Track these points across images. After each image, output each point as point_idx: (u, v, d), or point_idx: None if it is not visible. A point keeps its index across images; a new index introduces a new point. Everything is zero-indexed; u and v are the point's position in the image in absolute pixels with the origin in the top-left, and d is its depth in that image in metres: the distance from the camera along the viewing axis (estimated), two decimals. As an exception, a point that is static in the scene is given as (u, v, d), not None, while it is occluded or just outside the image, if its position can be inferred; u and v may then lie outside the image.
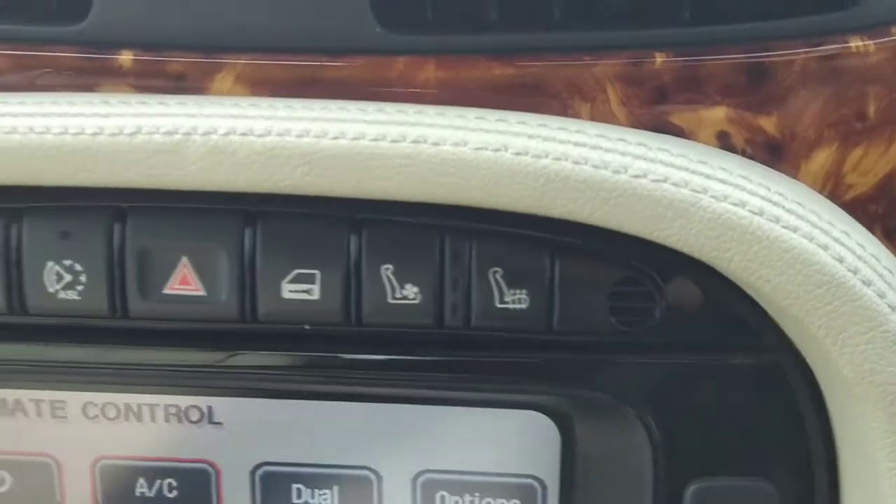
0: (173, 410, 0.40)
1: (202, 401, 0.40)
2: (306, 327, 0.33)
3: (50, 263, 0.33)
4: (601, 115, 0.35)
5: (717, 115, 0.35)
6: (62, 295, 0.33)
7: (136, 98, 0.31)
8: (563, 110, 0.35)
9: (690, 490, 0.34)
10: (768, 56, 0.35)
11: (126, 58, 0.35)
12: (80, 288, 0.33)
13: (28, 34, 0.35)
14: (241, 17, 0.34)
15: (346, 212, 0.32)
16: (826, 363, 0.32)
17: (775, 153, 0.36)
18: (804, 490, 0.35)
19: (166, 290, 0.33)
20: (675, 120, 0.35)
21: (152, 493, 0.41)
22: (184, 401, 0.40)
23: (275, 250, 0.32)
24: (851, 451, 0.34)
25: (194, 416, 0.40)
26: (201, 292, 0.33)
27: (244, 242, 0.32)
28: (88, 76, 0.35)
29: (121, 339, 0.35)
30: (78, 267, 0.33)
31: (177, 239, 0.33)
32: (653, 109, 0.35)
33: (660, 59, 0.35)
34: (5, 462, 0.41)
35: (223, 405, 0.40)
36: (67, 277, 0.33)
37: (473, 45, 0.35)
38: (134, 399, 0.40)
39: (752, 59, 0.35)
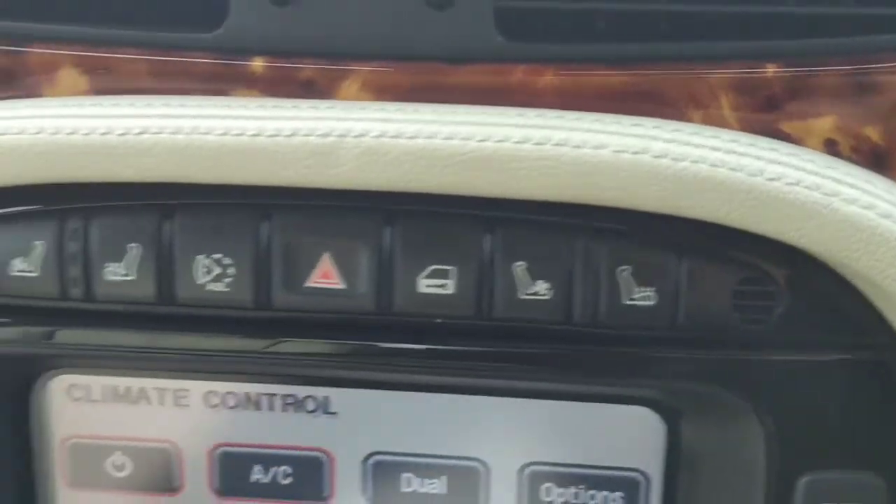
0: (290, 400, 0.42)
1: (318, 391, 0.42)
2: (437, 321, 0.35)
3: (200, 257, 0.35)
4: (714, 122, 0.37)
5: (825, 123, 0.36)
6: (210, 287, 0.35)
7: (289, 102, 0.33)
8: (678, 117, 0.37)
9: (802, 483, 0.35)
10: (875, 68, 0.36)
11: (258, 65, 0.36)
12: (227, 280, 0.35)
13: (165, 40, 0.37)
14: (368, 26, 0.36)
15: (481, 211, 0.34)
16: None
17: (880, 160, 0.37)
18: None
19: (308, 284, 0.35)
20: (784, 127, 0.37)
21: (267, 479, 0.43)
22: (301, 391, 0.42)
23: (412, 247, 0.34)
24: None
25: (310, 405, 0.42)
26: (341, 286, 0.35)
27: (383, 239, 0.34)
28: (221, 82, 0.37)
29: (255, 330, 0.37)
30: (227, 260, 0.34)
31: (320, 235, 0.35)
32: (763, 117, 0.36)
33: (771, 69, 0.36)
34: (127, 448, 0.43)
35: (339, 395, 0.42)
36: (216, 270, 0.35)
37: (592, 54, 0.36)
38: (253, 388, 0.42)
39: (860, 71, 0.36)
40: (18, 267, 0.35)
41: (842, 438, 0.35)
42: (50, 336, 0.38)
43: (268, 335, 0.37)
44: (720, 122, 0.37)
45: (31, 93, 0.37)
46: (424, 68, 0.37)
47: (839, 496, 0.36)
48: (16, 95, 0.37)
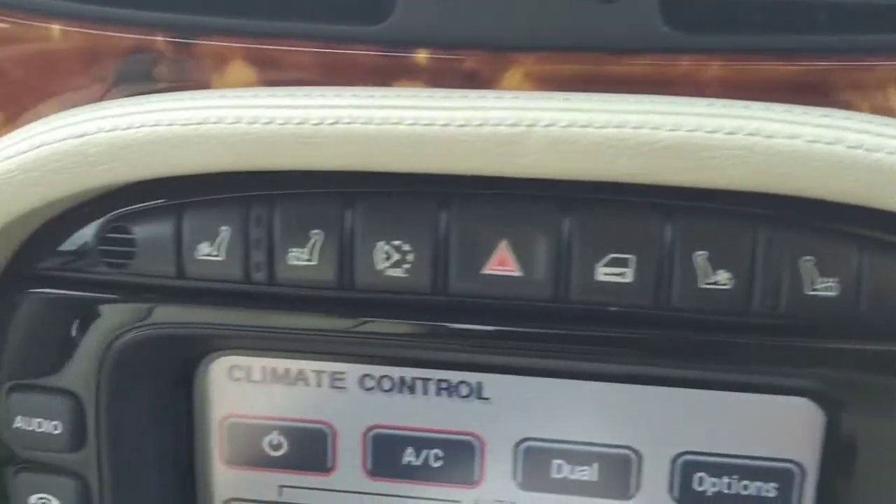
0: (444, 385, 0.43)
1: (472, 377, 0.42)
2: (612, 309, 0.35)
3: (380, 243, 0.35)
4: (880, 114, 0.37)
5: None
6: (389, 272, 0.36)
7: (474, 93, 0.34)
8: (846, 109, 0.37)
9: None
10: None
11: (422, 56, 0.37)
12: (406, 266, 0.36)
13: (333, 33, 0.38)
14: (532, 16, 0.36)
15: (661, 199, 0.34)
16: None
17: None
18: None
19: (485, 271, 0.36)
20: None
21: (419, 462, 0.44)
22: (455, 376, 0.43)
23: (591, 235, 0.34)
24: None
25: (464, 391, 0.43)
26: (518, 273, 0.35)
27: (562, 227, 0.34)
28: (384, 74, 0.37)
29: (425, 315, 0.38)
30: (406, 247, 0.35)
31: (498, 223, 0.35)
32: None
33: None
34: (284, 428, 0.44)
35: (492, 381, 0.42)
36: (395, 256, 0.36)
37: (759, 45, 0.36)
38: (408, 373, 0.43)
39: None
40: (205, 251, 0.37)
41: None
42: (224, 318, 0.39)
43: (437, 320, 0.37)
44: (887, 114, 0.37)
45: (200, 84, 0.39)
46: (588, 59, 0.37)
47: None
48: (185, 87, 0.38)
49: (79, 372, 0.40)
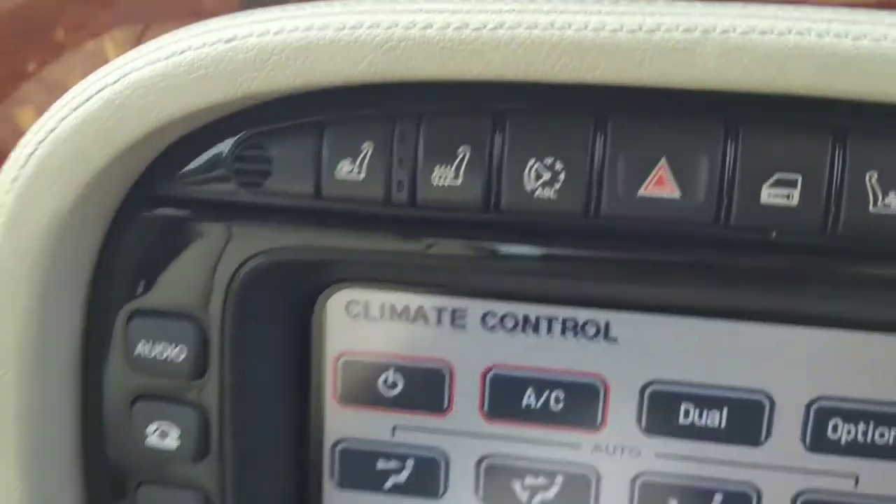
0: (570, 324, 0.42)
1: (599, 315, 0.41)
2: (773, 234, 0.34)
3: (531, 161, 0.34)
4: None
5: None
6: (538, 193, 0.35)
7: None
8: None
9: None
10: None
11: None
12: (556, 187, 0.34)
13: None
14: None
15: (831, 117, 0.32)
16: None
17: None
18: None
19: (641, 193, 0.34)
20: None
21: (538, 405, 0.42)
22: (582, 315, 0.41)
23: (756, 154, 0.33)
24: None
25: (591, 330, 0.41)
26: (676, 195, 0.34)
27: (726, 145, 0.33)
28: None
29: (576, 242, 0.36)
30: (558, 165, 0.34)
31: (657, 141, 0.34)
32: None
33: None
34: (400, 366, 0.43)
35: (620, 321, 0.41)
36: (546, 175, 0.34)
37: None
38: (532, 311, 0.42)
39: None
40: (345, 169, 0.35)
41: None
42: (357, 242, 0.38)
43: (584, 247, 0.36)
44: None
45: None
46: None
47: None
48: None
49: (205, 297, 0.38)
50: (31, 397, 0.39)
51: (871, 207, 0.33)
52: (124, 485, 0.42)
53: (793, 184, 0.33)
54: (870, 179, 0.33)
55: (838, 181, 0.33)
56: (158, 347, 0.39)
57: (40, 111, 0.37)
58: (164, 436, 0.40)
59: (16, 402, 0.38)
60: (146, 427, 0.40)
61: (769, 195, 0.33)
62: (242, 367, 0.40)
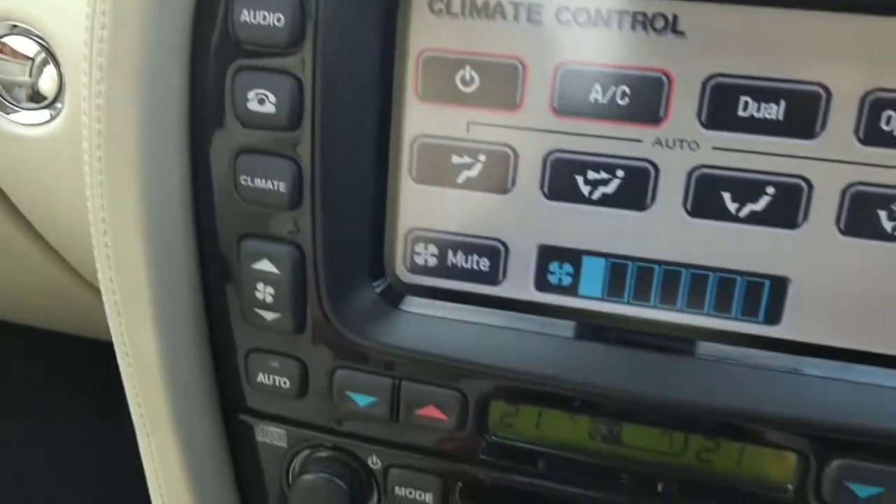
0: (640, 18, 0.44)
1: (668, 7, 0.44)
2: None
3: None
4: None
5: None
6: None
7: None
8: None
9: None
10: None
11: None
12: None
13: None
14: None
15: None
16: None
17: None
18: None
19: None
20: None
21: (605, 100, 0.45)
22: (651, 7, 0.44)
23: None
24: None
25: (659, 23, 0.44)
26: None
27: None
28: None
29: None
30: None
31: None
32: None
33: None
34: (477, 63, 0.46)
35: (688, 14, 0.43)
36: None
37: None
38: (605, 4, 0.44)
39: None
40: None
41: None
42: None
43: None
44: None
45: None
46: None
47: None
48: None
49: None
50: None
51: None
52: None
53: None
54: None
55: None
56: (261, 14, 0.43)
57: None
58: (262, 102, 0.45)
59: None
60: (247, 92, 0.45)
61: None
62: (333, 43, 0.44)
